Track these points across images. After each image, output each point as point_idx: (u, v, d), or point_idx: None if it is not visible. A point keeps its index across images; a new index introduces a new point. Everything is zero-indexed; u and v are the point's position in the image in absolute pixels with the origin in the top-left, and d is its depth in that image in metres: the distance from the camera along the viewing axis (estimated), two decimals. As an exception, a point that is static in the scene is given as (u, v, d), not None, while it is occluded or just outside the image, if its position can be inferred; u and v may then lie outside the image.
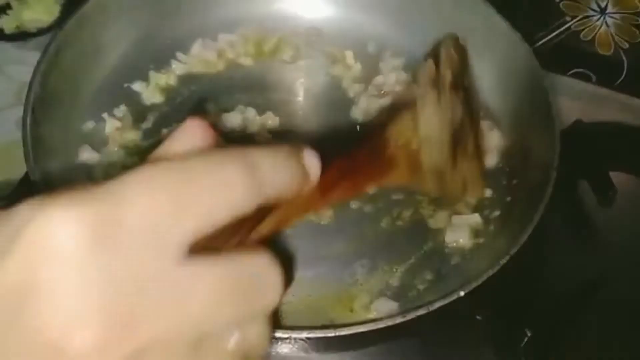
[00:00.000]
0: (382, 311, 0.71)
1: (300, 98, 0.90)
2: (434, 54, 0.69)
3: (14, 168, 0.84)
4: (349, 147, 0.54)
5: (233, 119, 0.84)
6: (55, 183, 0.74)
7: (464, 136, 0.67)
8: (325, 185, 0.48)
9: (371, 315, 0.70)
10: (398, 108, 0.64)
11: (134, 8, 0.87)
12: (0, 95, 0.92)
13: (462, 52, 0.73)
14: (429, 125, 0.63)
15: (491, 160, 0.84)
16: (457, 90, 0.68)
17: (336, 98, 0.90)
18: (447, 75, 0.67)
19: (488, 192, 0.80)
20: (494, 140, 0.85)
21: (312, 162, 0.36)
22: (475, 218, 0.78)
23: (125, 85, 0.87)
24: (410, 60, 0.92)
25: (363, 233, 0.77)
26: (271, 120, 0.85)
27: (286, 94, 0.90)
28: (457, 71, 0.69)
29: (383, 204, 0.80)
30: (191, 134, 0.34)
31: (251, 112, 0.85)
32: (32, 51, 0.97)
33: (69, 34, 0.81)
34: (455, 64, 0.70)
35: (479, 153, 0.71)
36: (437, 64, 0.68)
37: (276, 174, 0.33)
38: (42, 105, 0.76)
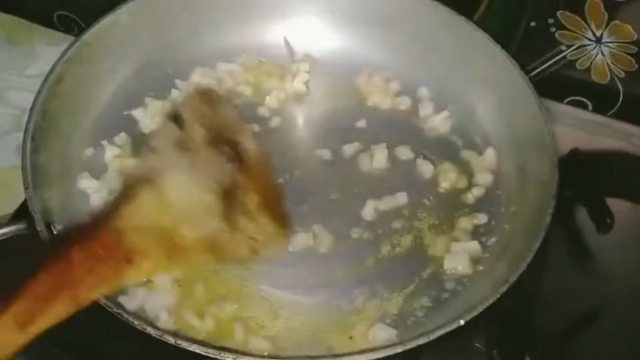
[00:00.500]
0: (380, 338, 0.70)
1: (300, 126, 0.91)
2: (173, 115, 0.66)
3: (13, 193, 0.84)
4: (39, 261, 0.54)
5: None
6: (54, 209, 0.74)
7: (240, 194, 0.63)
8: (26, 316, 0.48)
9: (370, 343, 0.69)
10: (131, 188, 0.61)
11: (135, 37, 0.88)
12: (2, 121, 0.92)
13: (216, 104, 0.70)
14: (185, 194, 0.60)
15: (485, 179, 0.84)
16: (218, 145, 0.64)
17: (334, 125, 0.90)
18: (198, 131, 0.64)
19: (484, 219, 0.81)
20: (489, 159, 0.86)
21: None
22: (475, 246, 0.78)
23: (125, 112, 0.88)
24: (406, 88, 0.93)
25: (362, 260, 0.77)
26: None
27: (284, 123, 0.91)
28: (211, 125, 0.65)
29: (382, 231, 0.80)
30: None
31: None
32: (32, 78, 0.98)
33: (70, 62, 0.82)
34: (208, 118, 0.66)
35: (267, 204, 0.66)
36: (180, 124, 0.64)
37: None
38: (42, 133, 0.76)
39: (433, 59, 0.93)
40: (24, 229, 0.69)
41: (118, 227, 0.58)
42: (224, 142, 0.65)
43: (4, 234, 0.69)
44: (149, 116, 0.88)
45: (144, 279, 0.63)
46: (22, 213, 0.72)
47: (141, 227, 0.59)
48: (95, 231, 0.58)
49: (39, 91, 0.77)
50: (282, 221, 0.67)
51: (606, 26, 0.95)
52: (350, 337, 0.70)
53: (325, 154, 0.87)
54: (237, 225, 0.62)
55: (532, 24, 0.98)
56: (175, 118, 0.65)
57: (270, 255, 0.69)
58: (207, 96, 0.70)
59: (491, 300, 0.65)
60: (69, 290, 0.55)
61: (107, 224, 0.58)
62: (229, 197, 0.62)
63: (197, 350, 0.60)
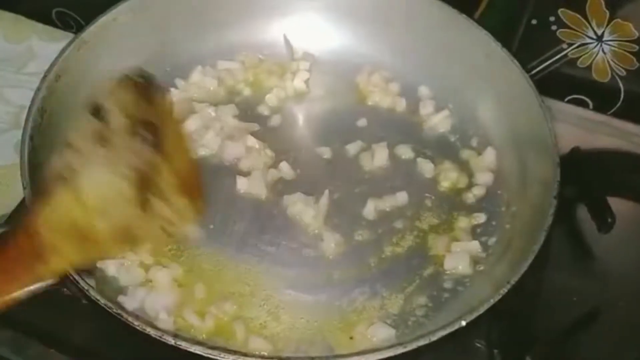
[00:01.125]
0: (380, 337, 0.70)
1: (300, 124, 0.91)
2: (94, 107, 0.67)
3: (12, 192, 0.84)
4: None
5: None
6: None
7: (154, 177, 0.65)
8: None
9: (371, 343, 0.69)
10: (48, 187, 0.63)
11: (134, 35, 0.88)
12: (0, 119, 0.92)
13: (142, 88, 0.71)
14: (99, 186, 0.62)
15: (486, 178, 0.84)
16: (143, 132, 0.66)
17: (334, 124, 0.90)
18: (118, 120, 0.66)
19: (485, 218, 0.81)
20: (489, 158, 0.86)
21: None
22: (475, 245, 0.78)
23: (124, 110, 0.87)
24: (405, 85, 0.93)
25: (363, 260, 0.77)
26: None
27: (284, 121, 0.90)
28: (134, 112, 0.67)
29: (383, 231, 0.79)
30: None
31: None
32: (30, 76, 0.98)
33: (69, 59, 0.81)
34: (131, 105, 0.68)
35: (183, 182, 0.68)
36: (101, 116, 0.66)
37: None
38: (41, 131, 0.76)
39: (434, 58, 0.92)
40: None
41: (34, 228, 0.61)
42: (143, 127, 0.67)
43: (2, 234, 0.69)
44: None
45: (56, 276, 0.61)
46: (21, 212, 0.72)
47: (56, 225, 0.61)
48: (12, 233, 0.62)
49: (38, 89, 0.77)
50: (197, 194, 0.70)
51: (607, 24, 0.95)
52: (351, 337, 0.70)
53: (326, 152, 0.87)
54: (151, 209, 0.65)
55: (533, 22, 0.97)
56: (96, 111, 0.67)
57: (187, 231, 0.73)
58: (132, 83, 0.71)
59: (492, 301, 0.65)
60: None
61: (23, 226, 0.61)
62: (143, 182, 0.64)
63: (197, 351, 0.60)
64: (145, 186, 0.64)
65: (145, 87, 0.71)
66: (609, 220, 0.80)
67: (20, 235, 0.61)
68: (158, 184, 0.65)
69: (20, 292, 0.61)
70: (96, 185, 0.63)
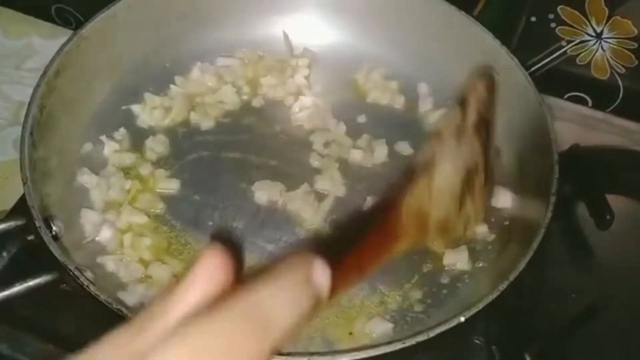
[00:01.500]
0: (378, 332, 0.70)
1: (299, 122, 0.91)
2: (462, 99, 0.65)
3: (11, 188, 0.84)
4: (356, 236, 0.52)
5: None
6: (53, 204, 0.73)
7: (475, 176, 0.63)
8: (335, 286, 0.48)
9: (370, 339, 0.69)
10: (412, 176, 0.60)
11: (133, 31, 0.88)
12: (-2, 115, 0.92)
13: (491, 86, 0.68)
14: (444, 179, 0.61)
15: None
16: (480, 130, 0.64)
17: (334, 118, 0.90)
18: (473, 117, 0.64)
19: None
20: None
21: (322, 277, 0.36)
22: (482, 227, 0.78)
23: (124, 107, 0.87)
24: (405, 82, 0.93)
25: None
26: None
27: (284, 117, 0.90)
28: (484, 110, 0.65)
29: (382, 227, 0.79)
30: (209, 273, 0.33)
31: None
32: (29, 72, 0.98)
33: (68, 55, 0.81)
34: (483, 103, 0.65)
35: (487, 187, 0.66)
36: (464, 107, 0.64)
37: (284, 311, 0.32)
38: (40, 127, 0.76)
39: (432, 54, 0.92)
40: (23, 224, 0.69)
41: (400, 208, 0.57)
42: (485, 127, 0.64)
43: (1, 230, 0.69)
44: (148, 111, 0.87)
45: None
46: (21, 208, 0.72)
47: (411, 208, 0.58)
48: (388, 211, 0.58)
49: (37, 85, 0.76)
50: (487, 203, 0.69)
51: (607, 22, 0.94)
52: (350, 333, 0.70)
53: (325, 149, 0.87)
54: (464, 208, 0.62)
55: (532, 19, 0.97)
56: (463, 103, 0.64)
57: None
58: (488, 78, 0.68)
59: (491, 298, 0.65)
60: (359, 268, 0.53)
61: (395, 205, 0.58)
62: (468, 181, 0.62)
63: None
64: (468, 185, 0.62)
65: (494, 85, 0.68)
66: (608, 217, 0.80)
67: (391, 215, 0.57)
68: (474, 184, 0.63)
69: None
70: (443, 177, 0.60)
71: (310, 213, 0.79)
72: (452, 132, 0.62)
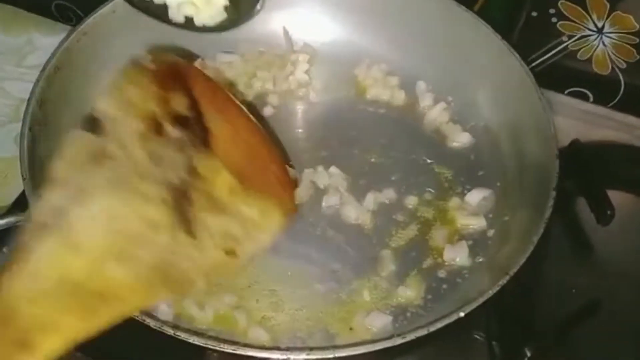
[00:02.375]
0: (377, 325, 0.70)
1: (299, 115, 0.91)
2: (87, 121, 0.53)
3: (12, 184, 0.84)
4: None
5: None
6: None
7: (201, 185, 0.52)
8: None
9: (370, 334, 0.69)
10: (24, 245, 0.48)
11: (133, 26, 0.87)
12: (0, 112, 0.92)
13: (160, 74, 0.58)
14: (104, 223, 0.48)
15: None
16: (165, 131, 0.52)
17: (333, 116, 0.90)
18: (129, 126, 0.52)
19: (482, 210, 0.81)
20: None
21: None
22: (481, 223, 0.79)
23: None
24: (405, 78, 0.93)
25: (362, 252, 0.77)
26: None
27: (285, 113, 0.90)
28: (152, 108, 0.54)
29: (383, 223, 0.80)
30: None
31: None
32: (30, 69, 0.98)
33: (68, 51, 0.81)
34: (146, 101, 0.54)
35: (249, 180, 0.55)
36: (97, 128, 0.52)
37: None
38: (40, 123, 0.76)
39: (433, 50, 0.92)
40: (22, 220, 0.69)
41: (7, 304, 0.45)
42: (172, 123, 0.53)
43: (2, 226, 0.69)
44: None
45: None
46: (21, 204, 0.72)
47: (44, 293, 0.46)
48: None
49: (37, 81, 0.77)
50: (278, 186, 0.58)
51: (607, 17, 0.94)
52: (351, 328, 0.70)
53: (326, 145, 0.86)
54: (205, 230, 0.51)
55: (533, 14, 0.97)
56: (91, 123, 0.53)
57: (271, 240, 0.58)
58: (150, 70, 0.58)
59: (491, 292, 0.65)
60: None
61: None
62: (182, 198, 0.51)
63: (196, 342, 0.60)
64: (186, 202, 0.51)
65: (164, 72, 0.58)
66: (609, 212, 0.80)
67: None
68: (210, 193, 0.53)
69: None
70: (100, 220, 0.49)
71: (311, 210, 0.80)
72: (83, 163, 0.51)
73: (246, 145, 0.58)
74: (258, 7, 0.73)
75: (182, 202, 0.51)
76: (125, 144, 0.52)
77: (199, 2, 0.72)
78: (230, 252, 0.54)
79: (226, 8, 0.73)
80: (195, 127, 0.55)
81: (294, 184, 0.59)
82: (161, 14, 0.72)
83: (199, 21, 0.72)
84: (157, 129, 0.53)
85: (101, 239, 0.49)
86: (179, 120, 0.55)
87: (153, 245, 0.50)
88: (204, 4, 0.72)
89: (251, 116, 0.63)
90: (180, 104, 0.56)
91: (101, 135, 0.53)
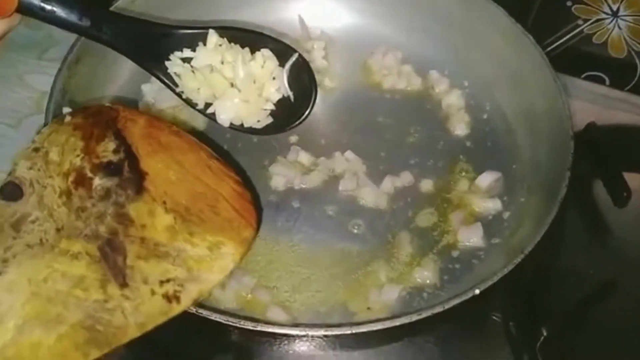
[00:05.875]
0: (395, 305, 0.71)
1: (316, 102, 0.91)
2: (6, 187, 0.53)
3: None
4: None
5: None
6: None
7: (134, 232, 0.51)
8: None
9: (387, 312, 0.70)
10: None
11: (152, 15, 0.87)
12: (21, 104, 0.94)
13: (88, 125, 0.57)
14: (30, 292, 0.48)
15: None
16: (93, 182, 0.52)
17: (350, 103, 0.91)
18: (50, 184, 0.52)
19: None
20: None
21: None
22: (496, 205, 0.80)
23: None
24: (420, 64, 0.93)
25: (379, 233, 0.78)
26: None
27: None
28: (86, 151, 0.54)
29: (399, 206, 0.80)
30: None
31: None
32: (51, 62, 0.99)
33: (88, 42, 0.82)
34: (73, 149, 0.54)
35: (193, 212, 0.52)
36: (16, 194, 0.52)
37: None
38: (62, 112, 0.77)
39: (448, 35, 0.93)
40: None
41: None
42: (102, 170, 0.53)
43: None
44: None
45: None
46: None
47: None
48: None
49: (59, 70, 0.78)
50: (237, 216, 0.54)
51: (622, 0, 0.94)
52: (369, 308, 0.71)
53: (344, 132, 0.87)
54: (135, 279, 0.50)
55: (548, -2, 0.97)
56: (10, 191, 0.54)
57: (225, 270, 0.54)
58: (75, 124, 0.58)
59: (506, 271, 0.65)
60: None
61: None
62: (113, 249, 0.50)
63: (218, 319, 0.61)
64: (116, 253, 0.50)
65: (89, 122, 0.58)
66: (625, 194, 0.80)
67: None
68: (145, 239, 0.51)
69: None
70: (21, 287, 0.49)
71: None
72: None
73: (192, 181, 0.56)
74: (307, 112, 0.75)
75: (111, 254, 0.51)
76: (46, 204, 0.52)
77: (243, 113, 0.74)
78: (172, 297, 0.52)
79: (272, 113, 0.76)
80: (127, 173, 0.54)
81: (254, 208, 0.58)
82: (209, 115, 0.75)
83: (246, 124, 0.76)
84: (82, 182, 0.53)
85: (21, 306, 0.49)
86: (108, 169, 0.54)
87: (80, 303, 0.50)
88: (249, 114, 0.75)
89: (203, 146, 0.62)
90: (107, 150, 0.56)
91: (20, 200, 0.53)
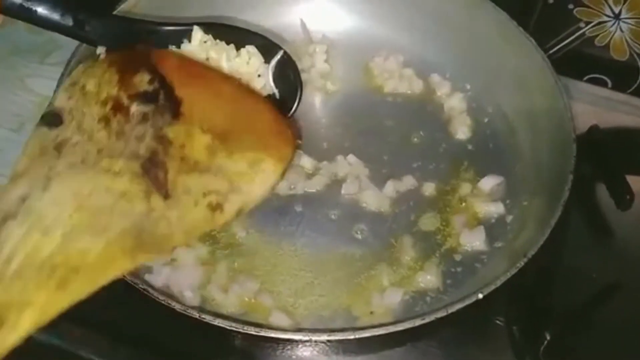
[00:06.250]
0: (398, 309, 0.71)
1: (318, 106, 0.92)
2: (48, 118, 0.57)
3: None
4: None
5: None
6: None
7: (174, 151, 0.54)
8: None
9: (391, 317, 0.70)
10: None
11: (154, 20, 0.88)
12: (23, 108, 0.94)
13: (123, 63, 0.61)
14: (74, 201, 0.51)
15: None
16: (132, 109, 0.55)
17: (352, 107, 0.91)
18: (88, 114, 0.56)
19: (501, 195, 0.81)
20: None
21: None
22: (499, 208, 0.79)
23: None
24: (421, 68, 0.93)
25: (381, 237, 0.78)
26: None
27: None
28: (115, 93, 0.57)
29: (402, 210, 0.80)
30: None
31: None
32: (53, 66, 1.00)
33: (90, 47, 0.83)
34: (110, 87, 0.57)
35: (232, 134, 0.56)
36: (56, 122, 0.56)
37: None
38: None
39: (450, 38, 0.93)
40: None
41: None
42: (138, 98, 0.56)
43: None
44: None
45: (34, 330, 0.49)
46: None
47: (12, 274, 0.49)
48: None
49: (62, 75, 0.78)
50: (273, 136, 0.59)
51: (624, 2, 0.94)
52: (372, 312, 0.71)
53: (346, 135, 0.87)
54: (178, 191, 0.53)
55: (550, 1, 0.97)
56: (50, 119, 0.57)
57: (270, 184, 0.57)
58: (110, 62, 0.62)
59: (509, 274, 0.65)
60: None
61: None
62: (154, 166, 0.53)
63: (220, 324, 0.61)
64: (158, 169, 0.54)
65: (123, 59, 0.62)
66: (628, 197, 0.80)
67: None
68: (185, 157, 0.55)
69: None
70: (66, 200, 0.51)
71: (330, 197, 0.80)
72: (42, 155, 0.53)
73: (230, 106, 0.59)
74: (293, 109, 0.76)
75: (153, 170, 0.54)
76: (85, 129, 0.55)
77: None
78: (216, 207, 0.55)
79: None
80: (163, 100, 0.57)
81: (293, 130, 0.62)
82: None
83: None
84: (120, 109, 0.56)
85: (68, 217, 0.51)
86: (144, 97, 0.57)
87: (125, 213, 0.52)
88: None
89: (237, 80, 0.65)
90: (143, 81, 0.59)
91: (61, 126, 0.56)
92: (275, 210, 0.80)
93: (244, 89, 0.64)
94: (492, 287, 0.64)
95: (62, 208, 0.52)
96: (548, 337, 0.73)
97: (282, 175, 0.60)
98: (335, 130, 0.88)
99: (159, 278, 0.71)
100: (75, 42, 0.82)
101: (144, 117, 0.56)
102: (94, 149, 0.55)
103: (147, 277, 0.70)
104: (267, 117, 0.60)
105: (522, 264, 0.66)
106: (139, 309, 0.67)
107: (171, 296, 0.66)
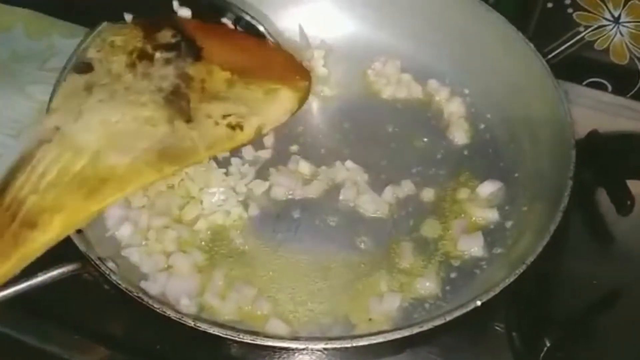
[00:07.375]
0: (396, 316, 0.71)
1: (316, 111, 0.91)
2: (79, 66, 0.66)
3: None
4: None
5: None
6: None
7: (195, 84, 0.62)
8: None
9: (389, 324, 0.70)
10: (27, 154, 0.59)
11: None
12: (22, 114, 0.94)
13: (146, 26, 0.69)
14: (103, 127, 0.59)
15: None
16: (155, 56, 0.64)
17: (352, 110, 0.91)
18: (116, 62, 0.64)
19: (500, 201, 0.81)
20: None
21: None
22: (497, 214, 0.79)
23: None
24: (420, 73, 0.93)
25: (381, 243, 0.78)
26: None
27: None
28: (146, 38, 0.65)
29: (401, 215, 0.80)
30: None
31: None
32: (52, 71, 1.00)
33: (86, 52, 0.82)
34: (135, 37, 0.66)
35: (248, 69, 0.64)
36: (86, 69, 0.65)
37: None
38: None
39: (448, 43, 0.92)
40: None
41: (15, 197, 0.56)
42: (161, 49, 0.64)
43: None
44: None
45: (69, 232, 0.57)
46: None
47: (46, 184, 0.56)
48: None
49: (57, 80, 0.78)
50: (288, 72, 0.66)
51: (624, 6, 0.94)
52: (370, 319, 0.71)
53: (344, 141, 0.87)
54: (200, 116, 0.60)
55: (549, 5, 0.97)
56: (81, 67, 0.66)
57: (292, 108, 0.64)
58: (136, 26, 0.69)
59: (508, 281, 0.65)
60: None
61: None
62: (175, 96, 0.61)
63: (216, 333, 0.61)
64: (180, 98, 0.61)
65: (148, 22, 0.69)
66: (628, 202, 0.80)
67: None
68: (206, 88, 0.62)
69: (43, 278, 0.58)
70: (96, 127, 0.59)
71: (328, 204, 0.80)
72: (76, 94, 0.62)
73: (247, 52, 0.68)
74: None
75: (176, 100, 0.62)
76: (113, 73, 0.64)
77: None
78: (235, 126, 0.62)
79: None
80: (185, 48, 0.66)
81: (306, 69, 0.68)
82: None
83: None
84: (145, 56, 0.65)
85: (97, 140, 0.59)
86: (168, 46, 0.66)
87: (151, 135, 0.60)
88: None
89: (252, 36, 0.72)
90: (166, 36, 0.68)
91: (91, 73, 0.66)
92: (272, 216, 0.79)
93: (259, 40, 0.72)
94: (491, 294, 0.64)
95: (91, 133, 0.59)
96: (548, 344, 0.72)
97: (300, 104, 0.68)
98: (334, 135, 0.88)
99: (155, 285, 0.70)
100: (74, 47, 0.82)
101: (167, 61, 0.64)
102: (121, 87, 0.63)
103: (143, 284, 0.70)
104: (282, 57, 0.68)
105: (521, 270, 0.65)
106: (135, 316, 0.67)
107: (167, 304, 0.65)
